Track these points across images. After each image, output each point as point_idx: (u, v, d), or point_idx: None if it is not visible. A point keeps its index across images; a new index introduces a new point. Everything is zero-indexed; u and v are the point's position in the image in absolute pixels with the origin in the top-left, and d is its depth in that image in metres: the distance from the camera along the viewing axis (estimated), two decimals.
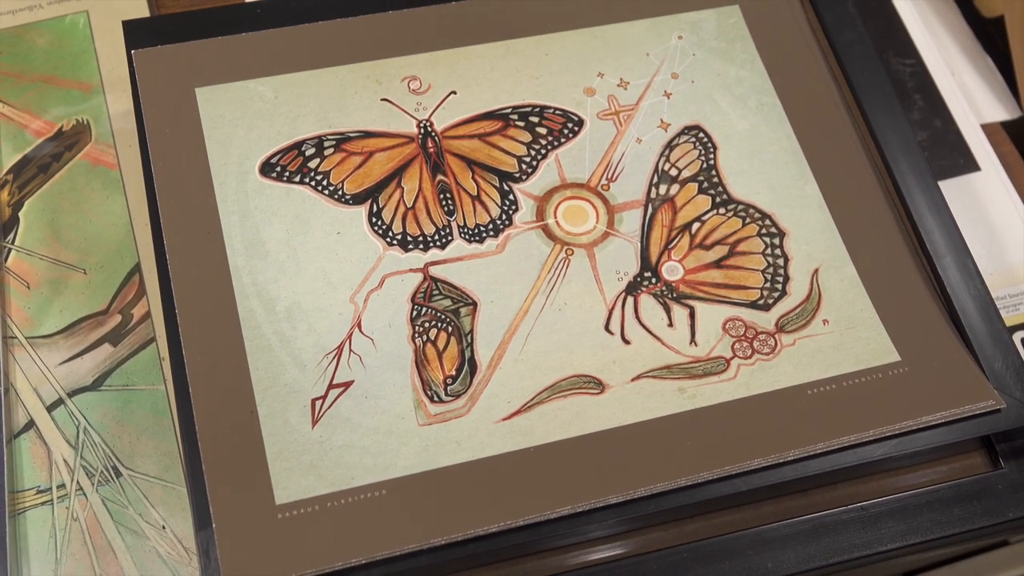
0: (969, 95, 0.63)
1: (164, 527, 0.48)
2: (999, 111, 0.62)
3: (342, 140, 0.50)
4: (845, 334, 0.48)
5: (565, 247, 0.49)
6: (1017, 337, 0.55)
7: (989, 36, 0.64)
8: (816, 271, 0.50)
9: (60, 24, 0.61)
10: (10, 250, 0.54)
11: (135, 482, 0.49)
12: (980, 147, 0.59)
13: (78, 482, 0.49)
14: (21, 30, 0.60)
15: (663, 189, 0.51)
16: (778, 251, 0.50)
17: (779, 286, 0.49)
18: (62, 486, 0.49)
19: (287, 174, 0.49)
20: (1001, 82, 0.63)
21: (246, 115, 0.50)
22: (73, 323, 0.52)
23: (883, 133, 0.52)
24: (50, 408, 0.50)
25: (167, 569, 0.47)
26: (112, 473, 0.49)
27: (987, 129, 0.62)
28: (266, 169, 0.49)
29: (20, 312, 0.52)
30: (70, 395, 0.51)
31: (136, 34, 0.52)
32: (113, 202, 0.55)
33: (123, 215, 0.55)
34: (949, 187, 0.58)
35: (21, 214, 0.55)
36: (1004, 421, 0.47)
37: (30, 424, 0.50)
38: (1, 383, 0.50)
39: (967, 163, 0.59)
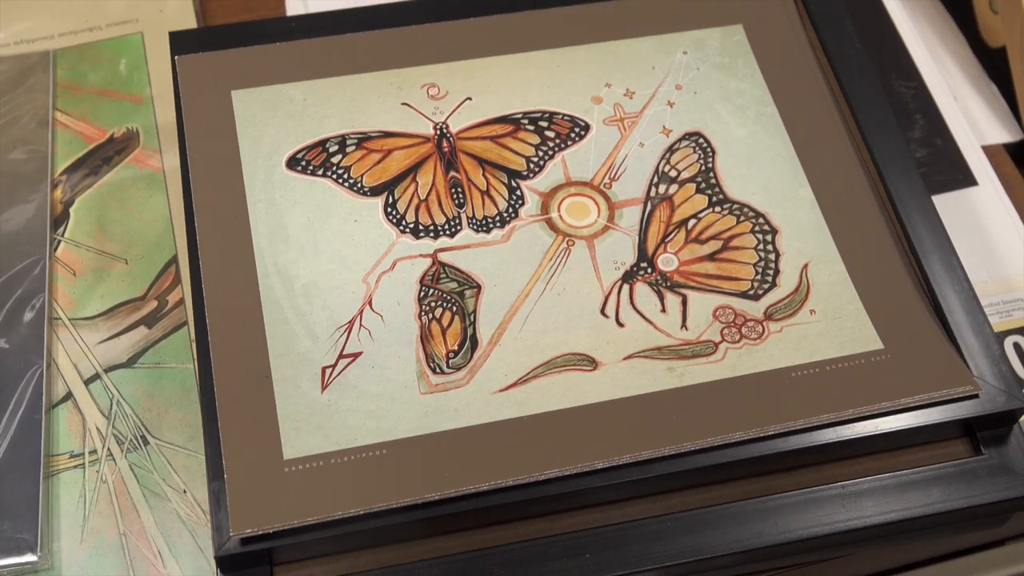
0: (972, 118, 0.65)
1: (185, 491, 0.52)
2: (1002, 133, 0.65)
3: (363, 139, 0.54)
4: (831, 323, 0.50)
5: (567, 238, 0.52)
6: (1009, 341, 0.56)
7: (994, 65, 0.67)
8: (806, 266, 0.52)
9: (117, 43, 0.66)
10: (60, 241, 0.58)
11: (161, 450, 0.53)
12: (979, 164, 0.61)
13: (108, 449, 0.53)
14: (82, 48, 0.66)
15: (662, 188, 0.54)
16: (770, 247, 0.53)
17: (769, 278, 0.52)
18: (94, 452, 0.52)
19: (311, 168, 0.53)
20: (1004, 106, 0.66)
21: (277, 115, 0.55)
22: (113, 307, 0.57)
23: (875, 140, 0.55)
24: (87, 382, 0.54)
25: (185, 529, 0.51)
26: (140, 441, 0.53)
27: (990, 150, 0.64)
28: (292, 163, 0.53)
29: (65, 296, 0.57)
30: (106, 371, 0.55)
31: (181, 42, 0.57)
32: (155, 200, 0.60)
33: (164, 212, 0.59)
34: (947, 200, 0.60)
35: (72, 210, 0.60)
36: (981, 406, 0.48)
37: (68, 395, 0.54)
38: (44, 358, 0.54)
39: (965, 178, 0.61)
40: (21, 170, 0.60)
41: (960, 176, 0.61)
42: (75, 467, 0.52)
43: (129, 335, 0.56)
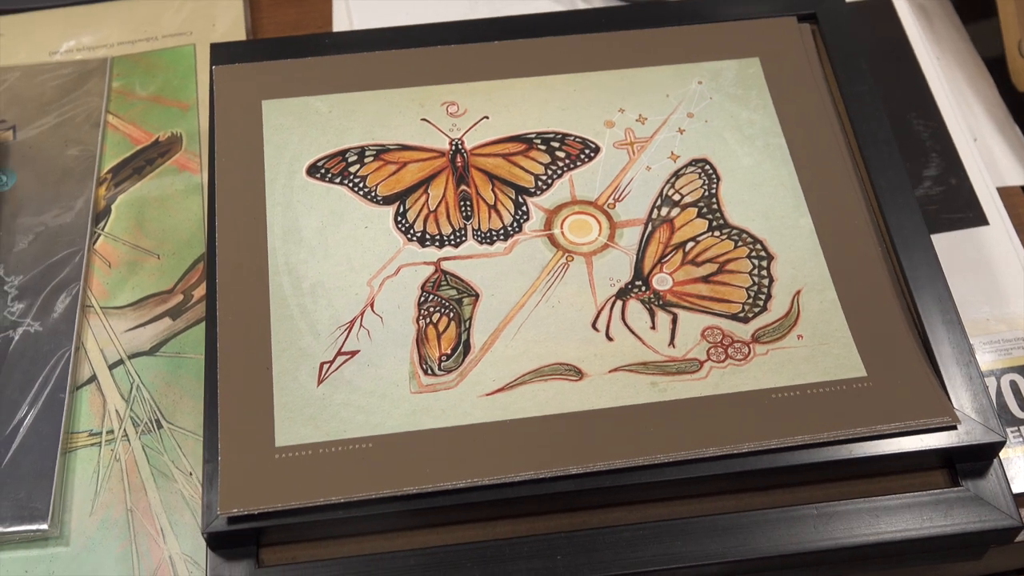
0: (992, 159, 0.66)
1: (191, 474, 0.54)
2: (1021, 176, 0.65)
3: (382, 151, 0.57)
4: (817, 349, 0.52)
5: (566, 254, 0.54)
6: (1006, 379, 0.57)
7: (1022, 109, 0.68)
8: (799, 292, 0.53)
9: (170, 53, 0.70)
10: (100, 235, 0.62)
11: (173, 434, 0.56)
12: (991, 204, 0.62)
13: (125, 430, 0.56)
14: (137, 57, 0.70)
15: (664, 211, 0.56)
16: (764, 272, 0.54)
17: (761, 302, 0.53)
18: (111, 432, 0.56)
19: (329, 175, 0.56)
20: None
21: (302, 125, 0.58)
22: (142, 298, 0.60)
23: (879, 175, 0.56)
24: (111, 366, 0.58)
25: (188, 509, 0.54)
26: (155, 425, 0.56)
27: (1007, 191, 0.64)
28: (312, 170, 0.56)
29: (100, 286, 0.60)
30: (130, 357, 0.58)
31: (221, 54, 0.60)
32: (191, 201, 0.63)
33: (198, 212, 0.63)
34: (956, 238, 0.61)
35: (113, 206, 0.63)
36: (959, 438, 0.49)
37: (92, 378, 0.57)
38: (73, 342, 0.58)
39: (976, 217, 0.62)
40: (72, 167, 0.64)
41: (971, 215, 0.62)
42: (92, 445, 0.55)
43: (154, 325, 0.59)
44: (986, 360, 0.57)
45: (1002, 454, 0.54)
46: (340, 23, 0.72)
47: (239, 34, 0.71)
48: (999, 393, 0.56)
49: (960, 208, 0.62)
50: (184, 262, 0.61)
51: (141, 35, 0.71)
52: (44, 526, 0.52)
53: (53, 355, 0.57)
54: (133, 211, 0.63)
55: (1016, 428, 0.55)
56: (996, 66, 0.70)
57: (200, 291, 0.60)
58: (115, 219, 0.63)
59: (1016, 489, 0.54)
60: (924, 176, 0.63)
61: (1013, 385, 0.57)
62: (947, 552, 0.51)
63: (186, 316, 0.59)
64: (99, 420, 0.56)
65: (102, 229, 0.63)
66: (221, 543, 0.48)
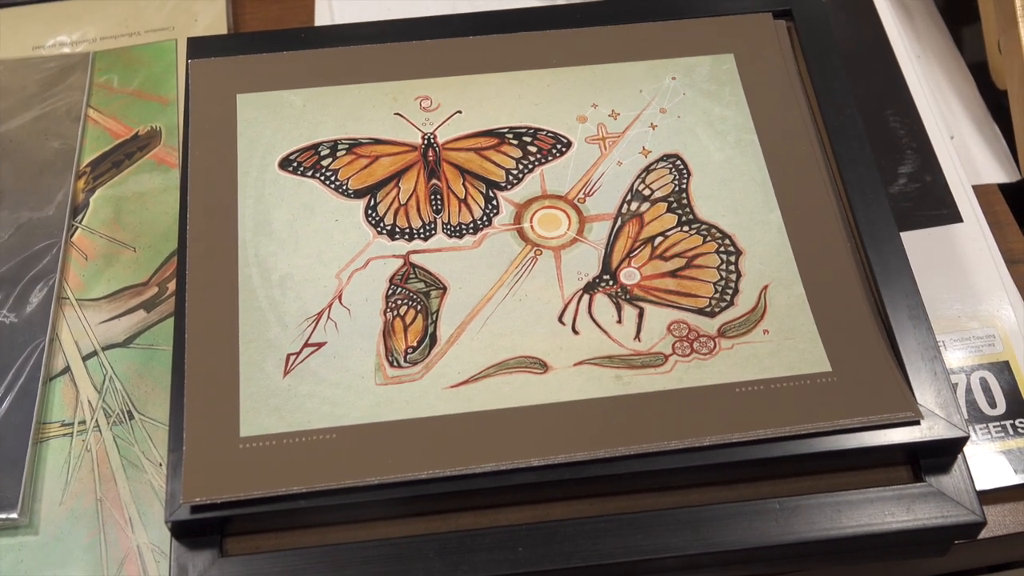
0: (970, 156, 0.66)
1: (161, 464, 0.55)
2: (999, 174, 0.65)
3: (354, 145, 0.58)
4: (783, 344, 0.52)
5: (535, 248, 0.54)
6: (976, 376, 0.57)
7: (1001, 106, 0.68)
8: (766, 287, 0.53)
9: (152, 48, 0.70)
10: (77, 228, 0.63)
11: (144, 425, 0.56)
12: (966, 202, 0.62)
13: (96, 420, 0.56)
14: (120, 51, 0.70)
15: (634, 206, 0.56)
16: (732, 267, 0.54)
17: (728, 297, 0.53)
18: (83, 423, 0.56)
19: (302, 169, 0.57)
20: (1004, 147, 0.66)
21: (275, 119, 0.58)
22: (117, 291, 0.60)
23: (849, 171, 0.56)
24: (85, 358, 0.58)
25: (157, 500, 0.54)
26: (126, 416, 0.56)
27: (983, 189, 0.64)
28: (284, 164, 0.57)
29: (76, 278, 0.61)
30: (103, 349, 0.58)
31: (198, 48, 0.61)
32: (169, 195, 0.64)
33: (175, 206, 0.63)
34: (930, 235, 0.61)
35: (92, 200, 0.64)
36: (921, 433, 0.49)
37: (66, 369, 0.58)
38: (48, 333, 0.58)
39: (951, 215, 0.62)
40: (52, 160, 0.65)
41: (945, 212, 0.62)
42: (64, 435, 0.56)
43: (129, 317, 0.60)
44: (957, 357, 0.57)
45: (971, 451, 0.54)
46: (322, 19, 0.72)
47: (221, 29, 0.71)
48: (968, 390, 0.56)
49: (934, 205, 0.62)
50: (160, 255, 0.62)
51: (124, 30, 0.72)
52: (14, 515, 0.52)
53: (27, 346, 0.57)
54: (111, 205, 0.64)
55: (985, 425, 0.55)
56: (979, 69, 0.70)
57: (174, 284, 0.60)
58: (93, 212, 0.63)
59: (985, 486, 0.54)
60: (899, 173, 0.63)
61: (983, 382, 0.57)
62: (910, 547, 0.51)
63: (160, 308, 0.60)
64: (71, 411, 0.57)
65: (80, 222, 0.63)
66: (185, 532, 0.48)
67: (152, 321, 0.59)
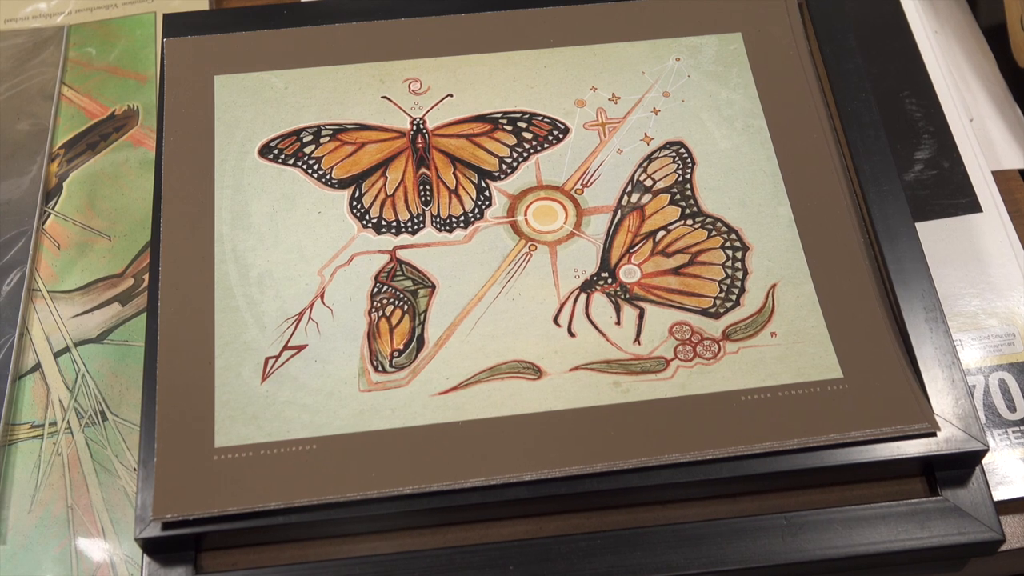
0: (989, 140, 0.62)
1: (135, 469, 0.52)
2: (1020, 159, 0.62)
3: (339, 130, 0.54)
4: (791, 347, 0.49)
5: (529, 243, 0.51)
6: (995, 377, 0.54)
7: (1023, 87, 0.64)
8: (774, 286, 0.50)
9: (129, 21, 0.67)
10: (50, 215, 0.59)
11: (118, 427, 0.53)
12: (986, 190, 0.59)
13: (68, 422, 0.53)
14: (95, 25, 0.67)
15: (635, 197, 0.53)
16: (739, 264, 0.51)
17: (733, 297, 0.50)
18: (54, 424, 0.53)
19: (283, 156, 0.53)
20: None
21: (256, 102, 0.55)
22: (91, 282, 0.57)
23: (863, 161, 0.53)
24: (57, 354, 0.55)
25: (131, 507, 0.51)
26: (99, 417, 0.53)
27: (1003, 175, 0.61)
28: (264, 151, 0.53)
29: (48, 269, 0.58)
30: (76, 345, 0.55)
31: (174, 25, 0.57)
32: (146, 179, 0.61)
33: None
34: (947, 226, 0.58)
35: (65, 184, 0.61)
36: (938, 445, 0.46)
37: (37, 366, 0.55)
38: (18, 328, 0.55)
39: (970, 204, 0.58)
40: (22, 141, 0.62)
41: (964, 201, 0.58)
42: (34, 437, 0.53)
43: (103, 311, 0.57)
44: (974, 357, 0.54)
45: (988, 459, 0.51)
46: None
47: (203, 4, 0.68)
48: (987, 392, 0.53)
49: (952, 194, 0.59)
50: (136, 244, 0.59)
51: (101, 2, 0.68)
52: None
53: None
54: (85, 189, 0.60)
55: (1004, 430, 0.53)
56: (997, 39, 0.66)
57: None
58: (66, 197, 0.60)
59: (1003, 496, 0.51)
60: (915, 159, 0.60)
61: (1002, 384, 0.54)
62: (924, 565, 0.48)
63: (136, 302, 0.57)
64: (42, 411, 0.54)
65: (52, 208, 0.60)
66: (156, 548, 0.46)
67: (127, 315, 0.56)
